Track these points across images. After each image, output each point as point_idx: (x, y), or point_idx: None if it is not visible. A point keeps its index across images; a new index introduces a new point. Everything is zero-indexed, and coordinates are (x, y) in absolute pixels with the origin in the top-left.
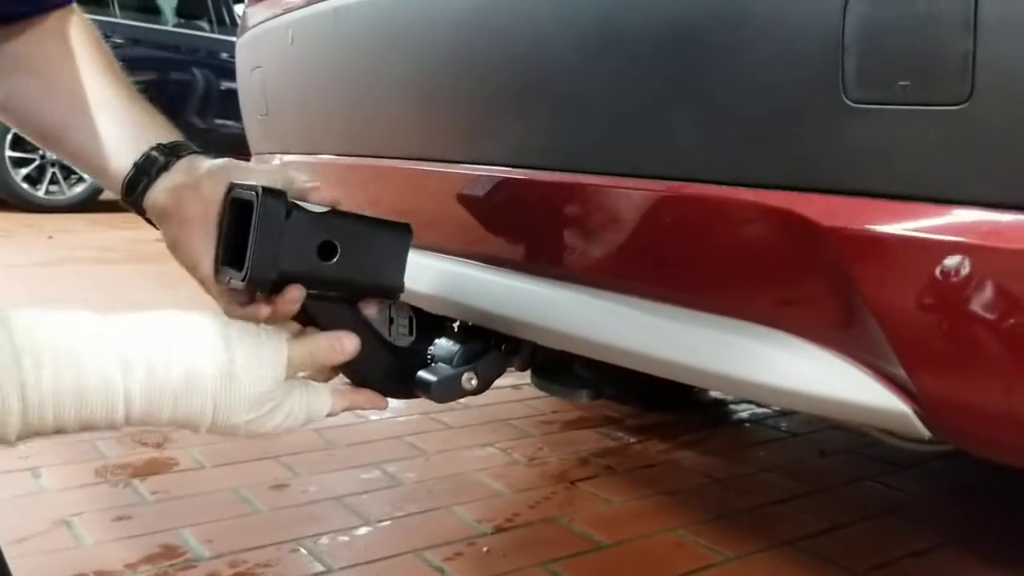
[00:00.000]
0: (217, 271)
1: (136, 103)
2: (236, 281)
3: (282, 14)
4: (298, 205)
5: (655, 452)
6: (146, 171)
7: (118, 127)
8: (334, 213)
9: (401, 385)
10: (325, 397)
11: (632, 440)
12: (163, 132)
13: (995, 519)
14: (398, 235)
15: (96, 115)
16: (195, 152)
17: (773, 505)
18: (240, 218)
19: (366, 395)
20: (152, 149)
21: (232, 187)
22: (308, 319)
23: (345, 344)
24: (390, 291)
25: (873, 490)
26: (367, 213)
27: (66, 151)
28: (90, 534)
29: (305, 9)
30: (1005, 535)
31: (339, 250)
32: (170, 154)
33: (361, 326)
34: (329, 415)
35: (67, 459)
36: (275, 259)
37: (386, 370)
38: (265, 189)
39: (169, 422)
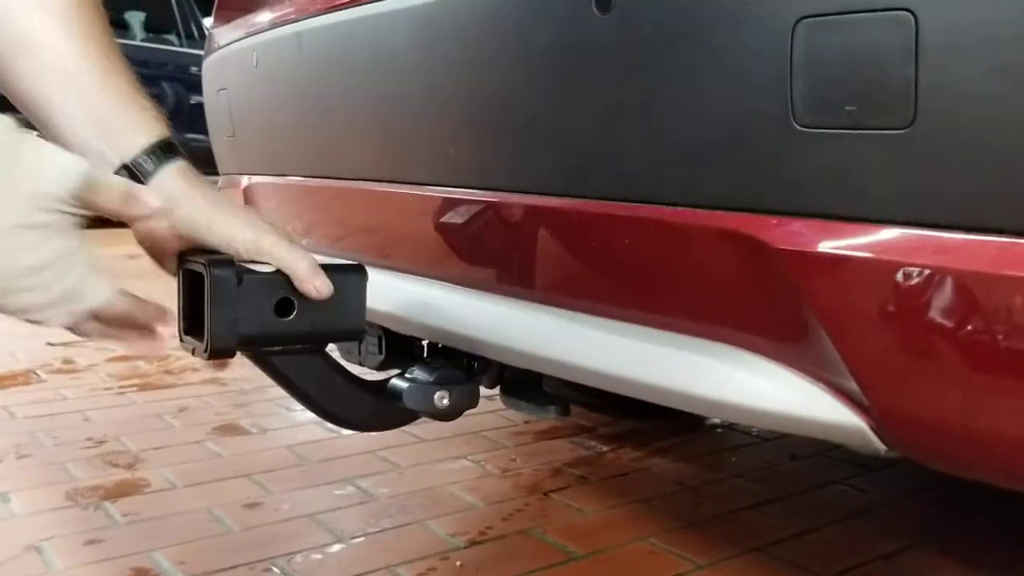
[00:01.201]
0: (181, 339)
1: (110, 78)
2: (200, 352)
3: (246, 37)
4: (249, 269)
5: (628, 460)
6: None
7: (91, 120)
8: None
9: (377, 420)
10: (106, 285)
11: (605, 449)
12: (142, 127)
13: (962, 520)
14: (353, 278)
15: (65, 95)
16: (177, 157)
17: (744, 511)
18: (196, 286)
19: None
20: (129, 162)
21: (183, 258)
22: (278, 376)
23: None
24: (352, 335)
25: (843, 493)
26: (329, 240)
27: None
28: (60, 559)
29: (269, 32)
30: (972, 536)
31: (296, 305)
32: (153, 165)
33: (332, 373)
34: (100, 310)
35: (37, 482)
36: (234, 327)
37: (360, 407)
38: (212, 260)
39: None
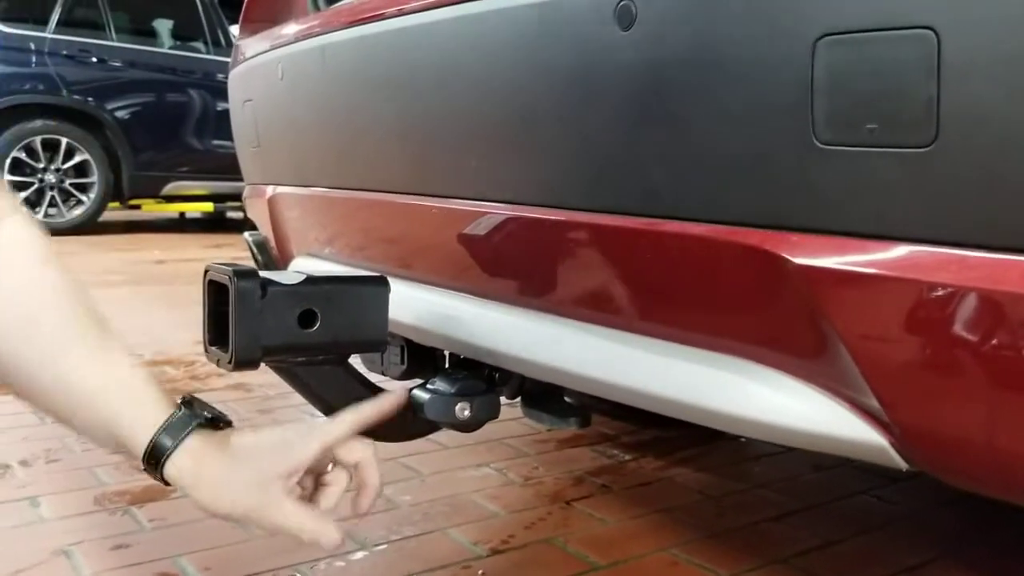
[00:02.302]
0: (206, 350)
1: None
2: (225, 363)
3: (272, 49)
4: (272, 280)
5: (650, 469)
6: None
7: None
8: (309, 280)
9: (398, 430)
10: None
11: (627, 457)
12: (146, 419)
13: (987, 534)
14: (376, 290)
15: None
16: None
17: (768, 522)
18: (220, 297)
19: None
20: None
21: (208, 269)
22: (300, 386)
23: None
24: (374, 345)
25: (866, 504)
26: (352, 251)
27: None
28: (88, 564)
29: (294, 45)
30: (997, 550)
31: (319, 316)
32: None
33: (354, 383)
34: None
35: (66, 487)
36: (257, 338)
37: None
38: (237, 271)
39: None
